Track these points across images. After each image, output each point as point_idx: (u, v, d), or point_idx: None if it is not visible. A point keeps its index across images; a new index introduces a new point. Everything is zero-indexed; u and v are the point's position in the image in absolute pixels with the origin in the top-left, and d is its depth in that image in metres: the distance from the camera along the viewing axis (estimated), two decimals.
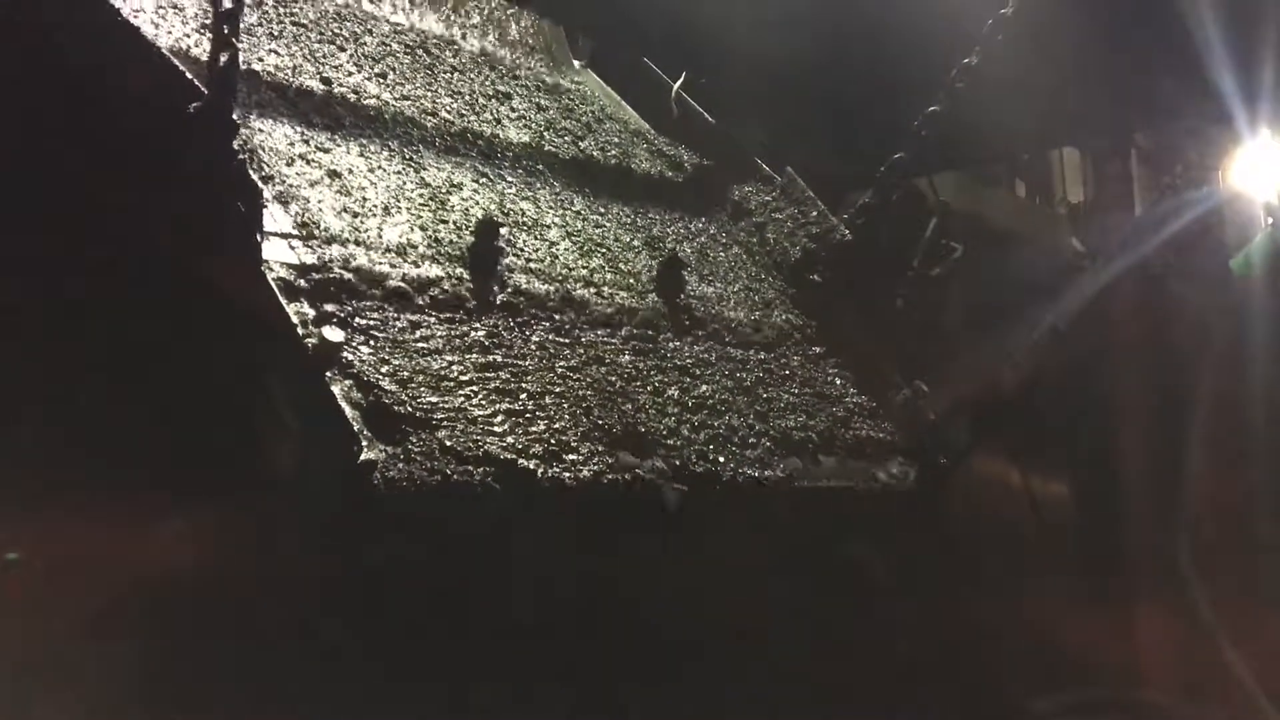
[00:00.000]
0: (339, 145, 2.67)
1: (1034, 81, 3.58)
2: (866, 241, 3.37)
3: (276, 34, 2.95)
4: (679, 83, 3.93)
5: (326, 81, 2.88)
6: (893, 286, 3.42)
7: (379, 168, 2.69)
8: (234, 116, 2.10)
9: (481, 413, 2.20)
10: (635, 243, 3.12)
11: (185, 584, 2.08)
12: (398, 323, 2.27)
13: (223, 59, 2.09)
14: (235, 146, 2.11)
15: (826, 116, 4.19)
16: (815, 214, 3.47)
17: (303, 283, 2.19)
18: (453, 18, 3.59)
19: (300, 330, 2.07)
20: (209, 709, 2.10)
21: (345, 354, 2.09)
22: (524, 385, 2.33)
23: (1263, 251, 4.74)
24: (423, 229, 2.56)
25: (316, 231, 2.34)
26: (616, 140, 3.59)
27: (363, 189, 2.57)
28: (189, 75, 2.12)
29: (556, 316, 2.60)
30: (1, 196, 2.26)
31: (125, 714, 2.16)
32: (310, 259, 2.25)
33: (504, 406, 2.25)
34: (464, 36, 3.60)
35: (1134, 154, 5.17)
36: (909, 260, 3.45)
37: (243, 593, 2.05)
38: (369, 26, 3.25)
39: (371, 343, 2.18)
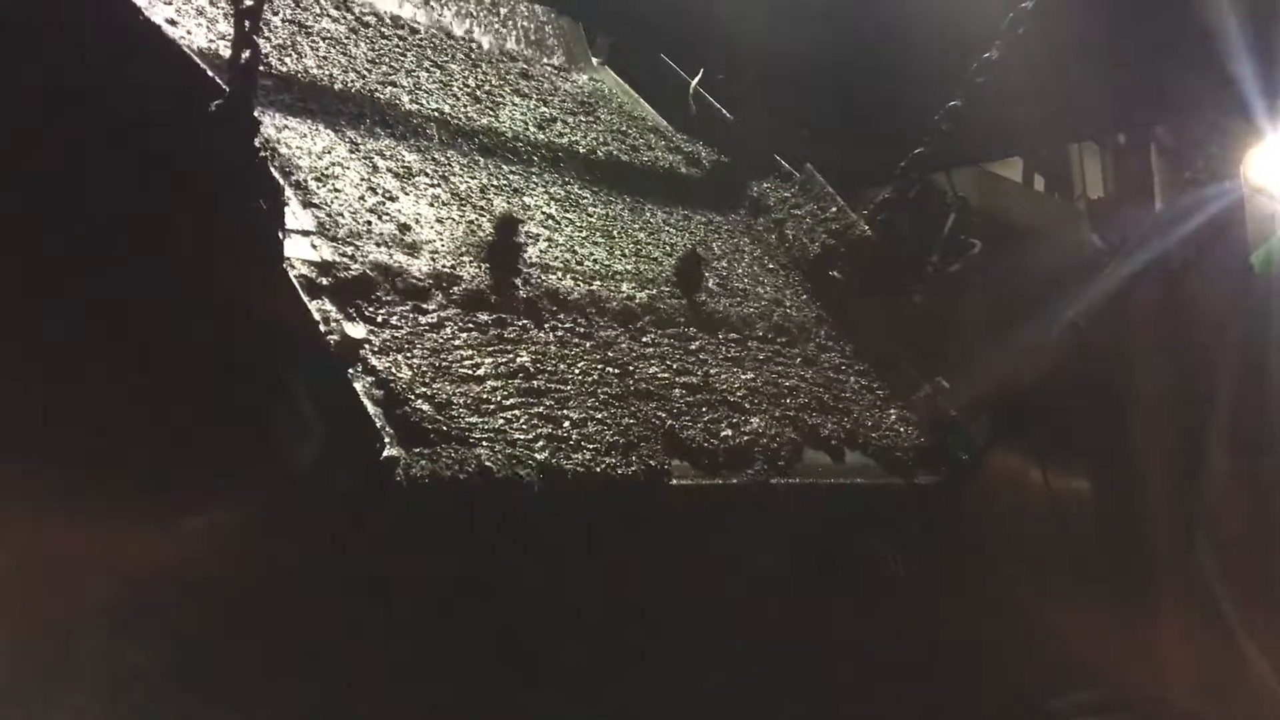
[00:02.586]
0: (352, 140, 2.67)
1: (1053, 75, 3.57)
2: (885, 237, 3.37)
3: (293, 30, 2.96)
4: (697, 79, 3.92)
5: (340, 76, 2.89)
6: (912, 283, 3.41)
7: (395, 163, 2.70)
8: (255, 114, 2.10)
9: (509, 411, 2.20)
10: (653, 239, 3.12)
11: (201, 582, 2.09)
12: (418, 318, 2.28)
13: (244, 57, 2.09)
14: (256, 144, 2.11)
15: (845, 112, 4.18)
16: (834, 210, 3.46)
17: (325, 280, 2.19)
18: (468, 13, 3.59)
19: (322, 326, 2.08)
20: (219, 708, 2.11)
21: (367, 350, 2.10)
22: (547, 376, 2.34)
23: None
24: (442, 224, 2.57)
25: (337, 228, 2.34)
26: (635, 138, 3.59)
27: (380, 184, 2.58)
28: (210, 73, 2.12)
29: (574, 310, 2.60)
30: (17, 194, 2.27)
31: (141, 714, 2.17)
32: (331, 255, 2.25)
33: (531, 406, 2.25)
34: (480, 32, 3.60)
35: (1154, 149, 5.14)
36: (928, 256, 3.44)
37: (259, 590, 2.05)
38: (376, 22, 3.26)
39: (392, 338, 2.18)
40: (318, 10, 3.10)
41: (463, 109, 3.10)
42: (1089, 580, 4.25)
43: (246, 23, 2.11)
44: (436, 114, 2.99)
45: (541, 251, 2.71)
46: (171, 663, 2.15)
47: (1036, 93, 3.64)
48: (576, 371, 2.42)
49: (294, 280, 2.12)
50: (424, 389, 2.11)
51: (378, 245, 2.37)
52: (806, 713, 2.79)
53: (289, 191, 2.31)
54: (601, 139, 3.44)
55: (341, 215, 2.39)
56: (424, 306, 2.33)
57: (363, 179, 2.56)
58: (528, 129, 3.21)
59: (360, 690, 2.10)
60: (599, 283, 2.74)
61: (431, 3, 3.50)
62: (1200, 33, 3.71)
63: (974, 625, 3.32)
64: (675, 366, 2.66)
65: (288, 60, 2.80)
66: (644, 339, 2.69)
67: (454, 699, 2.19)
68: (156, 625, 2.17)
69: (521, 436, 2.17)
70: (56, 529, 2.17)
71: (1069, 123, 4.79)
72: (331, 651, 2.08)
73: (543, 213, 2.90)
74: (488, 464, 2.06)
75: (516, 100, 3.33)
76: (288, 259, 2.14)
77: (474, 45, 3.51)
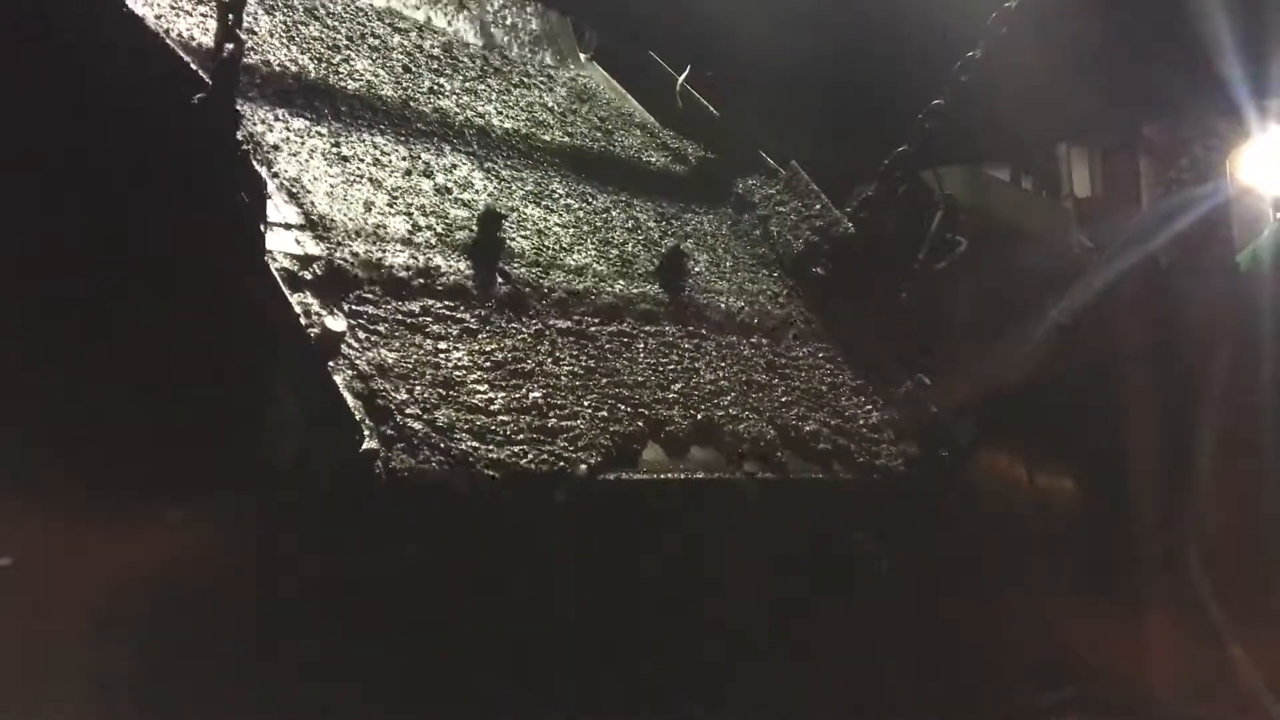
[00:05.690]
0: (338, 135, 2.67)
1: (1039, 74, 3.57)
2: (870, 235, 3.37)
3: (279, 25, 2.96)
4: (683, 76, 3.93)
5: (324, 71, 2.88)
6: (897, 280, 3.41)
7: (381, 158, 2.69)
8: (237, 107, 2.11)
9: (486, 401, 2.20)
10: (638, 235, 3.12)
11: (184, 580, 2.09)
12: (400, 312, 2.28)
13: (227, 50, 2.09)
14: (239, 137, 2.11)
15: (831, 109, 4.18)
16: (819, 207, 3.46)
17: (306, 274, 2.19)
18: (456, 8, 3.59)
19: (303, 320, 2.08)
20: (209, 708, 2.11)
21: (347, 344, 2.10)
22: (527, 374, 2.34)
23: (1270, 247, 4.73)
24: (425, 219, 2.57)
25: (320, 222, 2.34)
26: (621, 134, 3.59)
27: (364, 179, 2.58)
28: (193, 66, 2.13)
29: (556, 307, 2.60)
30: None
31: (127, 715, 2.16)
32: (314, 250, 2.25)
33: (510, 396, 2.26)
34: (468, 28, 3.60)
35: (1141, 148, 5.15)
36: (913, 254, 3.44)
37: (242, 588, 2.05)
38: (366, 17, 3.25)
39: (374, 332, 2.18)
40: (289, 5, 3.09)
41: (450, 104, 3.10)
42: (1076, 579, 4.25)
43: (230, 16, 2.11)
44: (424, 110, 2.98)
45: (525, 246, 2.72)
46: (155, 659, 2.15)
47: (1022, 92, 3.65)
48: (551, 361, 2.44)
49: (275, 273, 2.12)
50: (405, 384, 2.11)
51: (360, 239, 2.37)
52: (795, 710, 2.80)
53: (271, 185, 2.31)
54: (588, 134, 3.44)
55: (324, 209, 2.39)
56: (407, 303, 2.33)
57: (347, 173, 2.56)
58: (516, 125, 3.21)
59: (342, 684, 2.10)
60: (578, 276, 2.74)
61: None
62: (1187, 31, 3.71)
63: (961, 622, 3.32)
64: (659, 363, 2.67)
65: (269, 56, 2.80)
66: (625, 335, 2.69)
67: (439, 696, 2.19)
68: (141, 621, 2.17)
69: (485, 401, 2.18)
70: (30, 533, 2.16)
71: (1056, 122, 4.79)
72: (316, 646, 2.08)
73: (530, 209, 2.90)
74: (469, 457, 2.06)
75: (504, 97, 3.33)
76: (270, 252, 2.15)
77: (460, 40, 3.51)
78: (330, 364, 2.05)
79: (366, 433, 1.97)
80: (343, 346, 2.08)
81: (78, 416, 2.24)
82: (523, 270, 2.61)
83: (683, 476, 2.46)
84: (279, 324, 2.08)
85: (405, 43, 3.23)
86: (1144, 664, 3.97)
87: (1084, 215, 5.60)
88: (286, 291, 2.11)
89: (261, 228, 2.12)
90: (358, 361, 2.08)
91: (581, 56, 3.97)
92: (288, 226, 2.28)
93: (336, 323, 2.11)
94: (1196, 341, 4.42)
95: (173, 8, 2.64)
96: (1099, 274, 3.97)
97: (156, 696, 2.15)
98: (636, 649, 2.47)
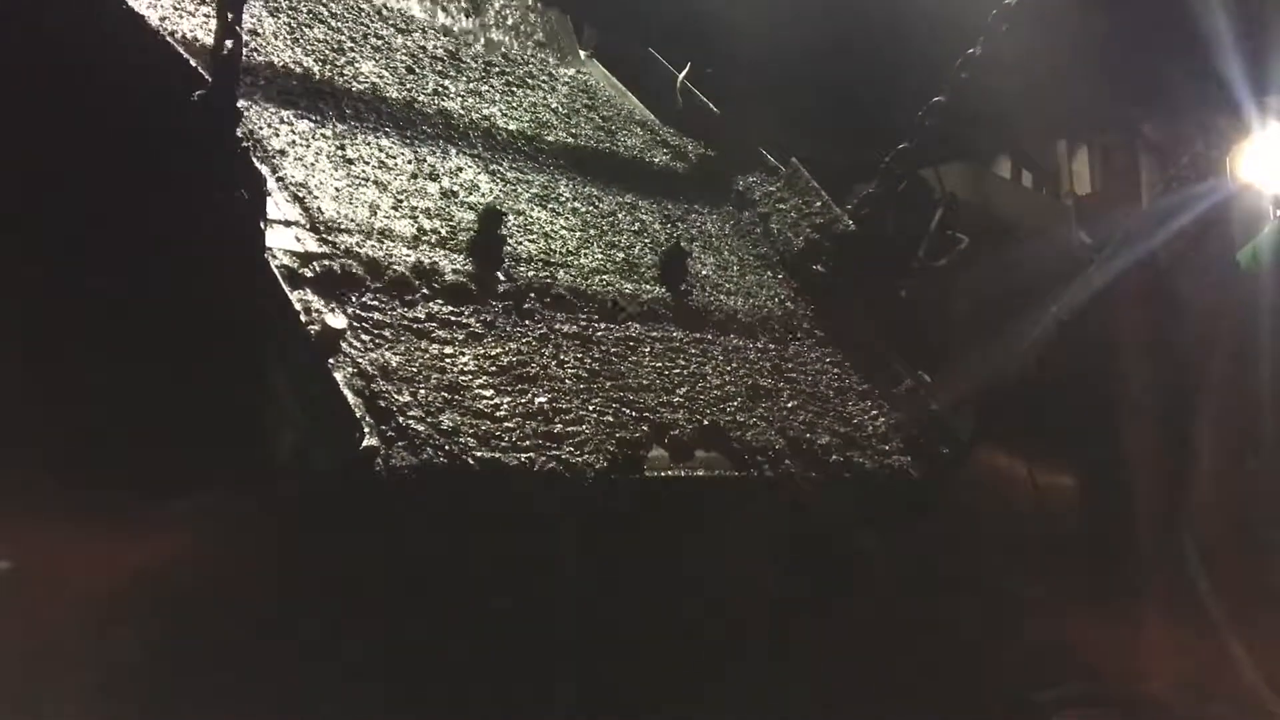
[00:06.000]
0: (343, 137, 2.66)
1: (1039, 71, 3.57)
2: (871, 232, 3.36)
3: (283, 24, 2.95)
4: (684, 73, 3.92)
5: (330, 73, 2.88)
6: (897, 277, 3.40)
7: (386, 161, 2.68)
8: (238, 104, 2.10)
9: (491, 406, 2.20)
10: (643, 238, 3.11)
11: (184, 580, 2.08)
12: (405, 316, 2.27)
13: (227, 46, 2.08)
14: (239, 134, 2.11)
15: (832, 107, 4.18)
16: (819, 204, 3.45)
17: (306, 271, 2.19)
18: (458, 9, 3.59)
19: (303, 317, 2.07)
20: (209, 708, 2.10)
21: (351, 345, 2.09)
22: (532, 378, 2.33)
23: (1270, 245, 4.73)
24: (430, 222, 2.56)
25: (325, 225, 2.33)
26: (624, 133, 3.58)
27: (370, 182, 2.57)
28: (193, 62, 2.12)
29: (561, 310, 2.59)
30: None
31: (126, 714, 2.16)
32: (314, 247, 2.25)
33: (515, 401, 2.25)
34: (470, 28, 3.59)
35: (1141, 145, 5.15)
36: (914, 251, 3.43)
37: (242, 587, 2.05)
38: (369, 18, 3.25)
39: (374, 329, 2.18)
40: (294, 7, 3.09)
41: (455, 106, 3.09)
42: (1076, 579, 4.26)
43: (229, 13, 2.10)
44: (428, 112, 2.97)
45: (532, 249, 2.71)
46: (155, 659, 2.15)
47: (1023, 89, 3.64)
48: (555, 364, 2.43)
49: (275, 271, 2.11)
50: (409, 387, 2.10)
51: (361, 238, 2.36)
52: (796, 710, 2.80)
53: (277, 187, 2.30)
54: (588, 131, 3.43)
55: (330, 212, 2.38)
56: (412, 306, 2.32)
57: (353, 176, 2.55)
58: (521, 127, 3.20)
59: (342, 684, 2.10)
60: (579, 274, 2.73)
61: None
62: (1188, 29, 3.72)
63: (960, 619, 3.33)
64: (664, 367, 2.65)
65: (274, 58, 2.79)
66: (631, 339, 2.68)
67: (440, 696, 2.19)
68: (141, 621, 2.17)
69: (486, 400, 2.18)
70: (31, 530, 2.16)
71: (1056, 119, 4.80)
72: (315, 645, 2.08)
73: (536, 212, 2.89)
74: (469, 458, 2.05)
75: (508, 98, 3.32)
76: (270, 250, 2.14)
77: (464, 40, 3.50)
78: (330, 362, 2.05)
79: (367, 430, 1.96)
80: (346, 348, 2.07)
81: (78, 416, 2.23)
82: (529, 273, 2.60)
83: (683, 474, 2.45)
84: (279, 322, 2.07)
85: (409, 44, 3.22)
86: (1144, 662, 3.98)
87: (1084, 212, 5.59)
88: (286, 289, 2.10)
89: (261, 225, 2.11)
90: (360, 362, 2.07)
91: (581, 54, 3.96)
92: (287, 224, 2.27)
93: (336, 320, 2.10)
94: (1196, 339, 4.43)
95: (175, 8, 2.63)
96: (1099, 271, 3.97)
97: (156, 696, 2.14)
98: (636, 649, 2.46)
